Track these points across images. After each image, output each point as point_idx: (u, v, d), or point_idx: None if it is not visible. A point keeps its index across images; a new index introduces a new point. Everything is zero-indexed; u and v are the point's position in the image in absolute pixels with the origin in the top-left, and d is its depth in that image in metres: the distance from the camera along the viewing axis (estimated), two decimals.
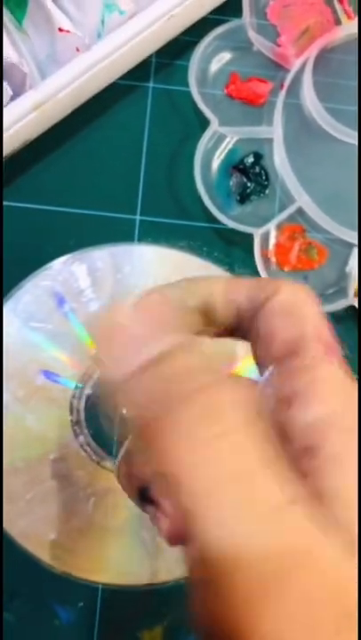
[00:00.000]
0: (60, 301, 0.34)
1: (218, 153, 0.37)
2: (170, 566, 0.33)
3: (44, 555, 0.32)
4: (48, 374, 0.34)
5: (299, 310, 0.19)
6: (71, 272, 0.35)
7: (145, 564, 0.33)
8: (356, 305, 0.35)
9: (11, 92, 0.33)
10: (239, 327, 0.21)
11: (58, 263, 0.35)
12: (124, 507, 0.33)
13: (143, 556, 0.33)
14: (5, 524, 0.32)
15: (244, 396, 0.17)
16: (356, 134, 0.37)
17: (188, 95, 0.36)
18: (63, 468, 0.33)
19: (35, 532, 0.32)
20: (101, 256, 0.35)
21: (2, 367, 0.33)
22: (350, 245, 0.36)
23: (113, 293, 0.35)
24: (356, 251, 0.36)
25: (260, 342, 0.20)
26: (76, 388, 0.34)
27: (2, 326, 0.34)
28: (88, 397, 0.34)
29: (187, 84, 0.36)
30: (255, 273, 0.35)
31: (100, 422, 0.34)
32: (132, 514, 0.33)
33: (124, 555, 0.33)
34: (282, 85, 0.37)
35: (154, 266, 0.35)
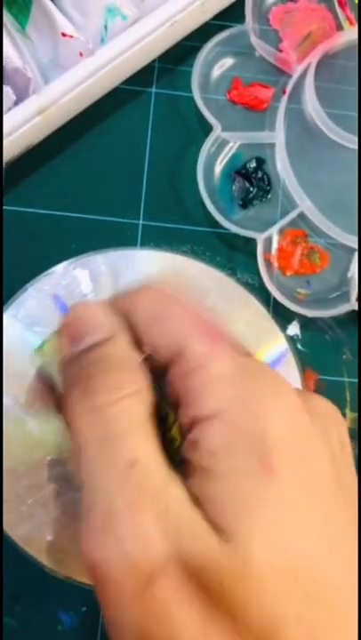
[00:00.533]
0: (63, 306, 0.34)
1: (220, 158, 0.37)
2: None
3: (46, 559, 0.32)
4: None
5: (167, 311, 0.19)
6: (73, 277, 0.34)
7: None
8: (358, 309, 0.35)
9: (14, 97, 0.33)
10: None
11: (60, 268, 0.35)
12: None
13: None
14: (7, 529, 0.32)
15: (140, 396, 0.18)
16: (357, 139, 0.37)
17: (191, 100, 0.36)
18: (64, 471, 0.33)
19: (36, 536, 0.32)
20: (104, 261, 0.35)
21: (2, 371, 0.33)
22: (352, 250, 0.36)
23: None
24: (357, 255, 0.36)
25: (150, 355, 0.19)
26: None
27: (2, 331, 0.34)
28: None
29: (189, 90, 0.36)
30: (258, 277, 0.35)
31: None
32: None
33: None
34: (284, 91, 0.37)
35: (156, 270, 0.35)
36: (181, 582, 0.16)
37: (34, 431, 0.33)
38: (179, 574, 0.16)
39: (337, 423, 0.20)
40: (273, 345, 0.35)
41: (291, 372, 0.35)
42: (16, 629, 0.33)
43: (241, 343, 0.19)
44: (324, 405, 0.20)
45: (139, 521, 0.16)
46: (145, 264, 0.35)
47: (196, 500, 0.17)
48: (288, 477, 0.17)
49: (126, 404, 0.18)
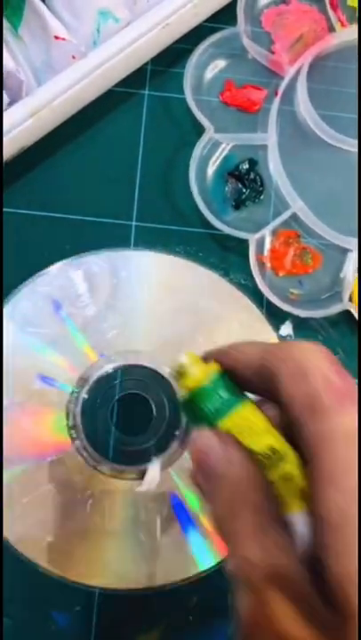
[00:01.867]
0: (57, 306, 0.34)
1: (213, 159, 0.37)
2: (167, 569, 0.33)
3: (40, 559, 0.32)
4: (45, 379, 0.34)
5: (307, 368, 0.19)
6: (68, 277, 0.35)
7: (142, 567, 0.33)
8: (350, 309, 0.36)
9: (7, 99, 0.33)
10: (269, 392, 0.21)
11: (55, 268, 0.35)
12: (121, 510, 0.33)
13: (140, 560, 0.33)
14: (3, 530, 0.32)
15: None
16: (350, 140, 0.37)
17: (184, 102, 0.36)
18: (60, 472, 0.33)
19: (31, 536, 0.32)
20: (98, 261, 0.35)
21: (2, 371, 0.33)
22: (344, 250, 0.36)
23: (109, 298, 0.35)
24: (350, 255, 0.36)
25: (283, 408, 0.20)
26: (73, 392, 0.34)
27: (2, 331, 0.34)
28: (84, 402, 0.34)
29: (182, 92, 0.36)
30: (251, 278, 0.36)
31: (96, 427, 0.34)
32: (129, 517, 0.33)
33: (120, 558, 0.33)
34: (276, 92, 0.37)
35: (150, 271, 0.36)
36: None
37: (29, 431, 0.33)
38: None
39: None
40: None
41: None
42: (10, 629, 0.33)
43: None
44: None
45: None
46: (139, 265, 0.36)
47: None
48: None
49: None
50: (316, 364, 0.19)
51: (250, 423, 0.20)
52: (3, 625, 0.33)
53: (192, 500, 0.33)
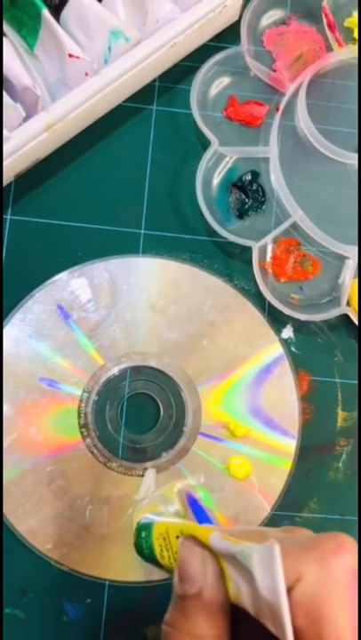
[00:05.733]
0: (67, 311, 0.35)
1: (218, 171, 0.38)
2: None
3: (52, 553, 0.33)
4: (54, 380, 0.34)
5: (319, 608, 0.18)
6: (78, 283, 0.35)
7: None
8: (348, 313, 0.36)
9: (24, 114, 0.34)
10: None
11: (66, 274, 0.36)
12: (130, 506, 0.34)
13: None
14: (15, 523, 0.33)
15: None
16: (347, 153, 0.38)
17: (190, 117, 0.37)
18: (71, 468, 0.34)
19: (43, 530, 0.33)
20: (107, 268, 0.36)
21: (2, 371, 0.34)
22: (342, 258, 0.37)
23: (118, 303, 0.36)
24: (348, 262, 0.37)
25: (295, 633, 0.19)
26: (83, 393, 0.35)
27: (2, 335, 0.35)
28: (94, 402, 0.34)
29: (188, 107, 0.37)
30: (254, 283, 0.36)
31: (105, 426, 0.35)
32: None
33: (130, 552, 0.33)
34: (277, 108, 0.38)
35: (157, 277, 0.36)
36: None
37: (41, 430, 0.34)
38: None
39: None
40: (270, 350, 0.36)
41: (285, 374, 0.36)
42: (23, 621, 0.33)
43: None
44: None
45: None
46: (147, 271, 0.36)
47: None
48: None
49: None
50: (331, 606, 0.18)
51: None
52: (2, 621, 0.33)
53: (204, 495, 0.34)
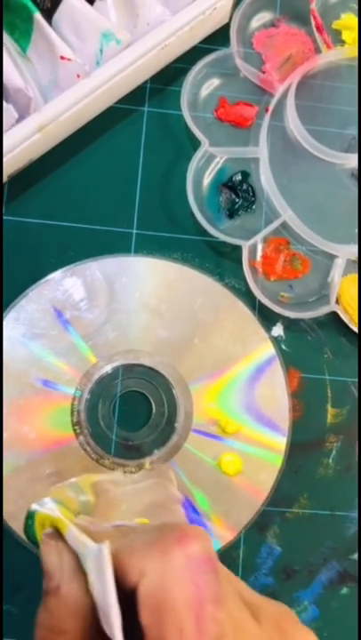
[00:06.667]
0: (60, 311, 0.35)
1: (208, 171, 0.38)
2: None
3: None
4: (48, 379, 0.35)
5: (161, 600, 0.18)
6: (71, 282, 0.36)
7: None
8: (337, 311, 0.37)
9: (16, 115, 0.34)
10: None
11: (59, 274, 0.36)
12: (122, 502, 0.34)
13: None
14: (9, 520, 0.33)
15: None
16: (336, 153, 0.38)
17: (181, 118, 0.38)
18: (64, 465, 0.34)
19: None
20: (99, 267, 0.36)
21: (2, 370, 0.34)
22: (331, 256, 0.38)
23: (110, 302, 0.36)
24: (337, 261, 0.38)
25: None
26: (76, 391, 0.35)
27: (2, 333, 0.35)
28: (87, 400, 0.35)
29: (179, 108, 0.37)
30: (244, 282, 0.37)
31: (98, 423, 0.35)
32: (130, 509, 0.34)
33: None
34: (267, 109, 0.39)
35: (149, 276, 0.37)
36: None
37: (35, 428, 0.34)
38: None
39: None
40: (261, 349, 0.37)
41: (276, 372, 0.36)
42: (16, 617, 0.33)
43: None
44: None
45: None
46: (139, 270, 0.37)
47: None
48: None
49: None
50: (173, 595, 0.18)
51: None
52: (2, 618, 0.33)
53: (198, 495, 0.35)
